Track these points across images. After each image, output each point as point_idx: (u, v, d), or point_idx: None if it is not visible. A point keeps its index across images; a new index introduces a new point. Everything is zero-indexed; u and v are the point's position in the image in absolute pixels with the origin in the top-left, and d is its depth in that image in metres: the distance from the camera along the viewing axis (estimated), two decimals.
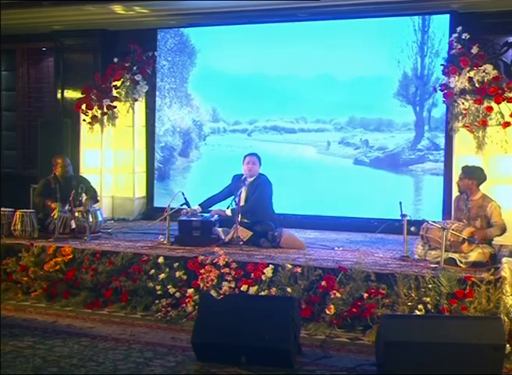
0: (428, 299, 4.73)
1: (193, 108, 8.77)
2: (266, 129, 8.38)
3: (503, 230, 5.53)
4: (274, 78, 8.22)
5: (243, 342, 4.05)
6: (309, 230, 7.62)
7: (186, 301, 5.35)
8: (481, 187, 5.72)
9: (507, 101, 6.69)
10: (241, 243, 6.22)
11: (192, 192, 7.38)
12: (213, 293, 5.22)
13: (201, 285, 5.40)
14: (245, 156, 6.71)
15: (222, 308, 4.25)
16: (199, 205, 6.78)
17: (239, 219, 6.32)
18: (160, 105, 8.88)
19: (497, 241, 5.81)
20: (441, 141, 7.49)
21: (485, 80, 6.79)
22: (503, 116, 6.74)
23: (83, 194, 6.64)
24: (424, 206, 7.53)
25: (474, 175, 5.64)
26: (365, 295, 4.92)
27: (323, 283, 5.08)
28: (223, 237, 6.33)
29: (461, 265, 5.26)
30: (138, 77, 8.53)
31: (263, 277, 5.26)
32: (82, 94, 8.71)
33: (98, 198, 7.60)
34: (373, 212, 7.61)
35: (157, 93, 8.84)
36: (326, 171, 8.05)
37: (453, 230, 5.32)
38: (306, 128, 8.18)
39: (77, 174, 7.79)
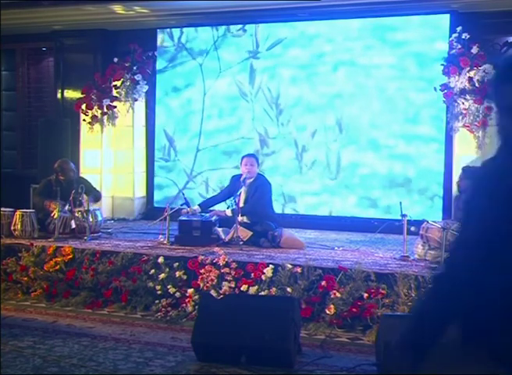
0: None
1: None
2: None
3: None
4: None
5: (243, 342, 4.06)
6: (309, 230, 7.62)
7: (186, 301, 5.35)
8: None
9: None
10: (241, 243, 6.22)
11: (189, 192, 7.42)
12: (213, 293, 5.22)
13: (201, 285, 5.40)
14: (243, 157, 6.71)
15: (222, 308, 4.25)
16: (198, 205, 6.79)
17: (239, 219, 6.32)
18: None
19: None
20: None
21: (485, 80, 6.79)
22: None
23: (84, 195, 6.65)
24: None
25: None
26: (365, 295, 4.92)
27: (323, 283, 5.08)
28: (223, 237, 6.33)
29: None
30: (138, 77, 8.53)
31: (263, 277, 5.26)
32: (82, 94, 8.72)
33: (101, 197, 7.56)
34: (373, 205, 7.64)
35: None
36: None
37: (453, 230, 5.32)
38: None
39: (78, 176, 7.74)
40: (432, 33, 7.47)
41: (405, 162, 7.62)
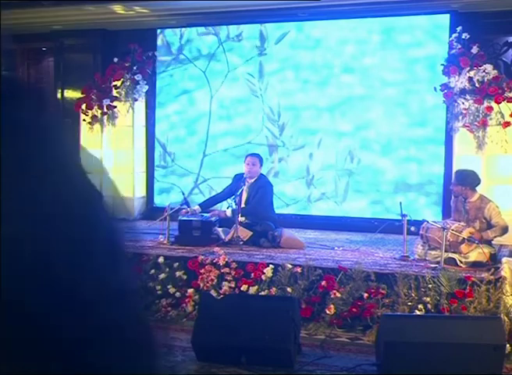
0: (428, 299, 4.73)
1: None
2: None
3: (505, 230, 5.50)
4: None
5: (243, 342, 4.05)
6: (309, 230, 7.61)
7: (186, 301, 5.35)
8: (478, 189, 5.70)
9: (507, 101, 6.70)
10: (241, 243, 6.22)
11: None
12: (213, 293, 5.22)
13: (201, 285, 5.40)
14: (246, 156, 6.71)
15: (222, 308, 4.25)
16: (199, 205, 6.78)
17: (239, 219, 6.32)
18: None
19: (497, 240, 5.81)
20: None
21: (485, 79, 6.79)
22: (503, 116, 6.74)
23: None
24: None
25: (466, 181, 5.59)
26: (365, 295, 4.92)
27: (323, 283, 5.08)
28: (223, 237, 6.33)
29: (461, 265, 5.26)
30: (138, 77, 8.52)
31: (263, 277, 5.26)
32: (82, 94, 8.71)
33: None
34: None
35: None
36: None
37: (452, 230, 5.32)
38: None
39: None
40: (435, 34, 7.46)
41: (406, 163, 7.63)
